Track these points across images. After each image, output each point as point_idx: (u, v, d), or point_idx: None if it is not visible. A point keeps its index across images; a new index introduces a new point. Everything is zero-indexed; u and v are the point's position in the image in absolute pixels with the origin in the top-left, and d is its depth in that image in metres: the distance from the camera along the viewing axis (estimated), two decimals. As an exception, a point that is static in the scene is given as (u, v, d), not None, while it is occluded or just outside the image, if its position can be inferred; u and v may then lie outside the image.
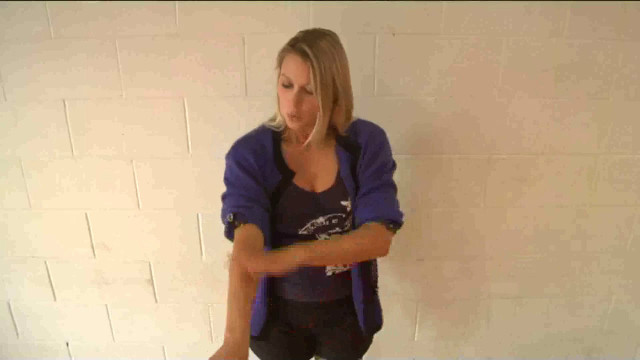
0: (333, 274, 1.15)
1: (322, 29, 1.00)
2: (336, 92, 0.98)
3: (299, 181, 1.08)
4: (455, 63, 1.39)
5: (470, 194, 1.55)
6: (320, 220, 1.08)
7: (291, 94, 0.97)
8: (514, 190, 1.55)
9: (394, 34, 1.35)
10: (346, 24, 1.30)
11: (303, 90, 0.96)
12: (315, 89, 0.94)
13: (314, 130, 1.02)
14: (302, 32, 0.99)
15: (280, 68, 1.00)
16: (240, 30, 1.33)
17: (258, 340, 1.19)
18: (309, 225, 1.08)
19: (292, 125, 1.01)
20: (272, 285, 1.16)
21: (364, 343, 1.31)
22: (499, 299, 1.73)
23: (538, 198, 1.57)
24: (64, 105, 1.40)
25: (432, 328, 1.77)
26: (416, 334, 1.76)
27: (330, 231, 1.10)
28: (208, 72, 1.37)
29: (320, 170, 1.10)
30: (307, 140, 1.05)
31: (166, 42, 1.34)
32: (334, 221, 1.09)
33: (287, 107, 0.99)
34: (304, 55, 0.93)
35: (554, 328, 1.80)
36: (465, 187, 1.54)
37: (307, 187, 1.08)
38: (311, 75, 0.93)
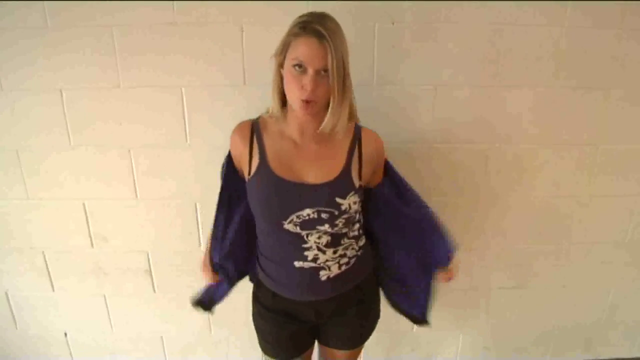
0: (327, 278, 1.12)
1: (321, 12, 0.98)
2: (345, 75, 0.96)
3: (280, 171, 1.04)
4: (454, 52, 1.38)
5: (469, 184, 1.54)
6: (307, 212, 1.02)
7: (305, 78, 0.92)
8: (514, 181, 1.55)
9: (393, 23, 1.34)
10: (345, 12, 1.29)
11: (318, 73, 0.93)
12: (333, 70, 0.91)
13: (328, 114, 0.98)
14: (305, 15, 0.96)
15: (285, 54, 0.96)
16: (239, 19, 1.32)
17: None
18: (293, 217, 1.03)
19: (305, 112, 0.96)
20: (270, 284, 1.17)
21: (367, 331, 1.30)
22: (498, 290, 1.73)
23: (538, 188, 1.57)
24: (61, 95, 1.39)
25: (431, 319, 1.76)
26: (415, 325, 1.76)
27: (319, 227, 1.04)
28: (206, 61, 1.36)
29: (316, 162, 1.05)
30: (322, 126, 1.00)
31: (164, 31, 1.33)
32: (323, 216, 1.03)
33: (302, 93, 0.93)
34: (319, 36, 0.90)
35: (553, 319, 1.80)
36: (464, 177, 1.54)
37: (289, 177, 1.04)
38: (329, 56, 0.90)
